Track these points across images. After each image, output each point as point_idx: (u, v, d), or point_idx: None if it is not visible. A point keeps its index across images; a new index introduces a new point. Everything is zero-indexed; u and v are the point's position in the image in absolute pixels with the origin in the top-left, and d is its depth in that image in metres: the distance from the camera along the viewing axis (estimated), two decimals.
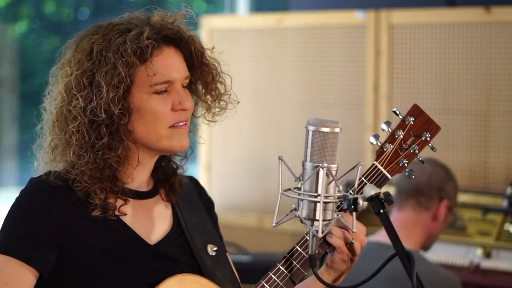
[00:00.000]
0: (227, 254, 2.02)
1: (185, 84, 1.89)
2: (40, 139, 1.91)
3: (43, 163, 1.90)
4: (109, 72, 1.80)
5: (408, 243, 2.93)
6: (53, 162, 1.88)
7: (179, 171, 2.00)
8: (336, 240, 1.81)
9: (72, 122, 1.81)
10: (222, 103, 1.97)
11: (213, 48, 1.97)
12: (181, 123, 1.86)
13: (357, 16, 4.31)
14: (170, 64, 1.86)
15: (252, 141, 4.66)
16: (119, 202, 1.86)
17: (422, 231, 3.00)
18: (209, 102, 1.97)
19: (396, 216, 3.01)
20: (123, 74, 1.80)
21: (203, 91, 1.96)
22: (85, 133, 1.81)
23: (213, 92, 1.96)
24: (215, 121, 2.00)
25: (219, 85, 1.96)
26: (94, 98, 1.80)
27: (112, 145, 1.82)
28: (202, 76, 1.94)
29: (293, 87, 4.54)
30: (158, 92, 1.84)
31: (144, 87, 1.83)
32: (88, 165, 1.81)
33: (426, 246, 3.07)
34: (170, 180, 1.97)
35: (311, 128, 1.70)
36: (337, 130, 1.70)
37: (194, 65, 1.92)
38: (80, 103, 1.80)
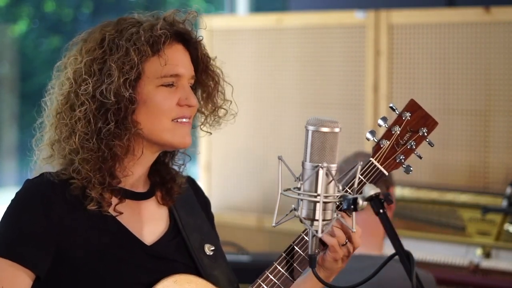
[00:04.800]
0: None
1: (190, 84, 1.90)
2: (39, 133, 1.91)
3: (41, 158, 1.90)
4: (121, 58, 1.82)
5: (372, 248, 2.76)
6: (52, 158, 1.88)
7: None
8: (329, 238, 1.82)
9: (79, 107, 1.82)
10: (220, 113, 1.98)
11: (215, 57, 1.98)
12: (184, 119, 1.87)
13: (357, 16, 4.31)
14: (180, 59, 1.88)
15: (252, 141, 4.66)
16: (114, 200, 1.86)
17: (381, 231, 2.84)
18: (206, 113, 1.97)
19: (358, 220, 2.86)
20: (135, 59, 1.81)
21: (203, 97, 1.96)
22: (91, 119, 1.82)
23: (213, 100, 1.97)
24: (210, 133, 2.01)
25: (219, 95, 1.97)
26: (105, 81, 1.81)
27: (117, 133, 1.82)
28: (205, 82, 1.95)
29: (293, 87, 4.53)
30: (166, 85, 1.85)
31: (153, 79, 1.84)
32: (91, 153, 1.81)
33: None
34: (167, 184, 1.97)
35: (310, 128, 1.70)
36: (336, 130, 1.70)
37: (199, 69, 1.93)
38: (89, 87, 1.81)
